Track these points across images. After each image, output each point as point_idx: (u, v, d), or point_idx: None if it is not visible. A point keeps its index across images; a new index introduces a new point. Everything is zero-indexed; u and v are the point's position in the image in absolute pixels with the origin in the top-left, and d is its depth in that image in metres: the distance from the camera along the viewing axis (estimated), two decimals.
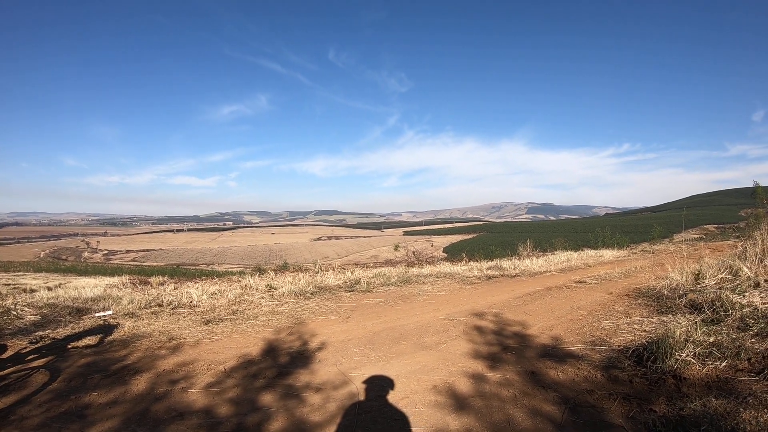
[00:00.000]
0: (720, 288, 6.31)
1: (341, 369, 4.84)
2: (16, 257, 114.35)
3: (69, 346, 5.78)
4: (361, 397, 4.10)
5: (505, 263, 14.03)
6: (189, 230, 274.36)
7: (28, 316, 7.22)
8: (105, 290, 10.28)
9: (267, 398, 4.14)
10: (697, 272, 7.23)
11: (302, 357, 5.29)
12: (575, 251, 18.59)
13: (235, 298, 8.51)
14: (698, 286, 6.76)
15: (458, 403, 3.93)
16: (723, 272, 6.96)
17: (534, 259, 15.77)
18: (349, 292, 9.33)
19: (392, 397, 4.07)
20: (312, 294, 8.98)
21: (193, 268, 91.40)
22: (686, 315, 5.78)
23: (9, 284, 16.64)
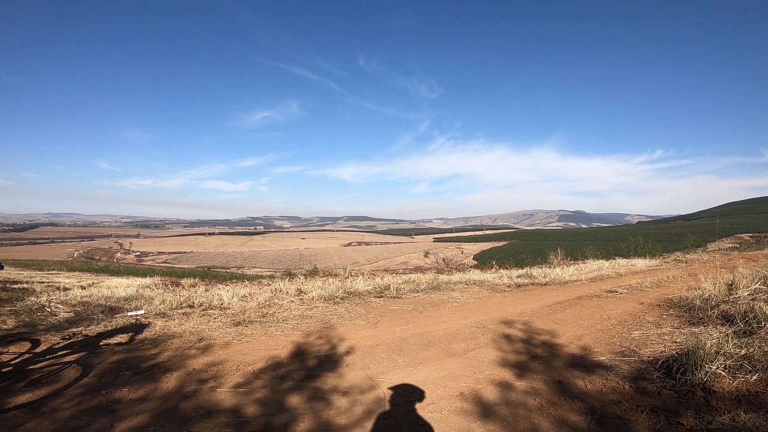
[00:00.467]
0: (753, 299, 6.19)
1: (368, 374, 4.88)
2: (51, 256, 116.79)
3: (101, 343, 5.95)
4: (388, 402, 4.13)
5: (536, 271, 13.94)
6: (220, 234, 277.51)
7: (62, 313, 7.44)
8: (137, 290, 10.48)
9: (294, 400, 4.21)
10: (730, 283, 7.11)
11: (330, 361, 5.34)
12: (607, 260, 18.35)
13: (265, 301, 8.62)
14: (731, 297, 6.65)
15: (484, 410, 3.94)
16: (757, 283, 6.84)
17: (564, 267, 15.62)
18: (379, 297, 9.37)
19: (418, 403, 4.09)
20: (341, 299, 9.05)
21: (224, 271, 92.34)
22: (718, 326, 5.69)
23: (43, 282, 17.06)
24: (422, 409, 3.97)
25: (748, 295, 6.52)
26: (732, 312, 5.99)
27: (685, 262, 16.37)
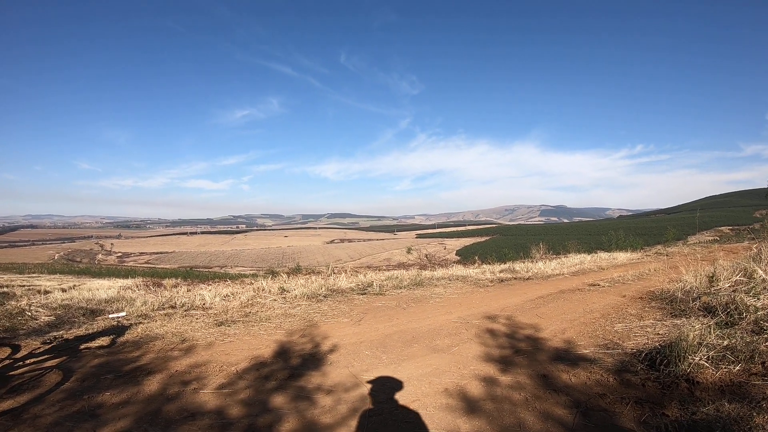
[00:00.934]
0: (734, 291, 6.24)
1: (352, 371, 4.85)
2: (31, 259, 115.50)
3: (82, 347, 5.85)
4: (372, 400, 4.11)
5: (518, 266, 13.96)
6: (202, 233, 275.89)
7: (42, 317, 7.31)
8: (118, 292, 10.37)
9: (278, 400, 4.16)
10: (711, 275, 7.16)
11: (314, 359, 5.30)
12: (588, 254, 18.46)
13: (248, 300, 8.54)
14: (712, 289, 6.69)
15: (469, 406, 3.93)
16: (737, 275, 6.88)
17: (547, 261, 15.68)
18: (362, 294, 9.32)
19: (403, 400, 4.07)
20: (324, 297, 8.98)
21: (206, 270, 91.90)
22: (700, 318, 5.72)
23: (24, 285, 16.84)
24: (407, 405, 3.95)
25: (729, 286, 6.56)
26: (713, 303, 6.03)
27: (666, 255, 16.50)
